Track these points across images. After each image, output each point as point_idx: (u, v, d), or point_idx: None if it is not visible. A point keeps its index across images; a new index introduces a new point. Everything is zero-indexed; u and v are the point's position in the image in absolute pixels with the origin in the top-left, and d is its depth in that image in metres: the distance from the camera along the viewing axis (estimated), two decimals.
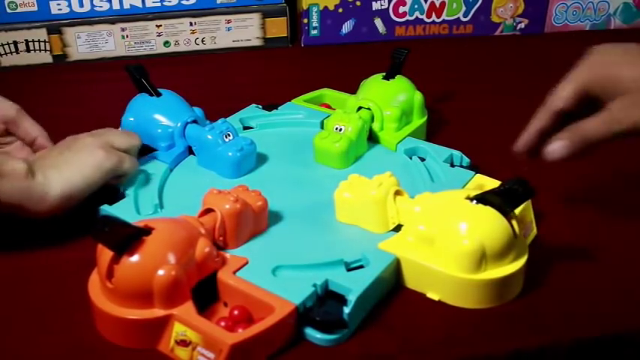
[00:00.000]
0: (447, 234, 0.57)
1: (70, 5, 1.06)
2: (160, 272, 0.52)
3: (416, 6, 1.17)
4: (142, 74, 0.78)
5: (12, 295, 0.60)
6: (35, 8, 1.05)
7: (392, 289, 0.60)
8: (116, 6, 1.07)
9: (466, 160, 0.74)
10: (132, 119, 0.76)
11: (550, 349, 0.55)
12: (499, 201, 0.57)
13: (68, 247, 0.64)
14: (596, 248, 0.65)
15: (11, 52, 1.05)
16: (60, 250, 0.64)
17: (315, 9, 1.15)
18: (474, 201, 0.57)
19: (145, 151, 0.75)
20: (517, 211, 0.62)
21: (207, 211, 0.60)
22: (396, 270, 0.60)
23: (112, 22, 1.08)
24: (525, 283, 0.60)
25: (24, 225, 0.68)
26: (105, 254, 0.52)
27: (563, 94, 0.62)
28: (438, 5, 1.17)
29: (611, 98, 0.59)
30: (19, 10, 1.05)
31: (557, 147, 0.60)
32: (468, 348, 0.55)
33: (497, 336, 0.56)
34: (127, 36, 1.09)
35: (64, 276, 0.60)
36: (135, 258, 0.52)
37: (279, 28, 1.14)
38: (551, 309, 0.58)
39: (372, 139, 0.79)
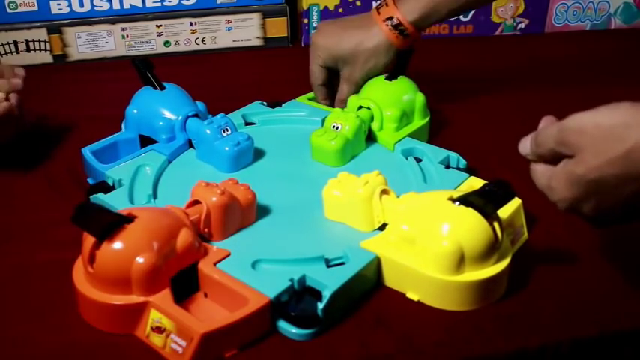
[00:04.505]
0: (427, 234, 0.57)
1: (70, 5, 1.06)
2: (139, 259, 0.53)
3: None
4: (148, 67, 0.79)
5: (10, 293, 0.60)
6: (35, 8, 1.05)
7: (373, 287, 0.60)
8: (116, 6, 1.07)
9: (463, 162, 0.74)
10: (135, 111, 0.77)
11: (550, 348, 0.55)
12: (481, 203, 0.57)
13: (67, 246, 0.64)
14: (595, 248, 0.65)
15: (11, 52, 1.05)
16: (59, 249, 0.64)
17: (315, 9, 1.15)
18: (457, 202, 0.57)
19: (146, 143, 0.76)
20: (506, 215, 0.62)
21: (195, 202, 0.61)
22: (376, 268, 0.60)
23: (113, 22, 1.08)
24: (525, 284, 0.60)
25: (24, 223, 0.68)
26: (88, 240, 0.54)
27: (315, 75, 0.86)
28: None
29: (341, 68, 0.85)
30: (20, 10, 1.05)
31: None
32: (468, 348, 0.54)
33: (497, 336, 0.56)
34: (128, 36, 1.09)
35: (61, 274, 0.60)
36: (115, 244, 0.53)
37: (279, 28, 1.14)
38: (550, 309, 0.58)
39: (372, 138, 0.79)
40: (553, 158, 0.53)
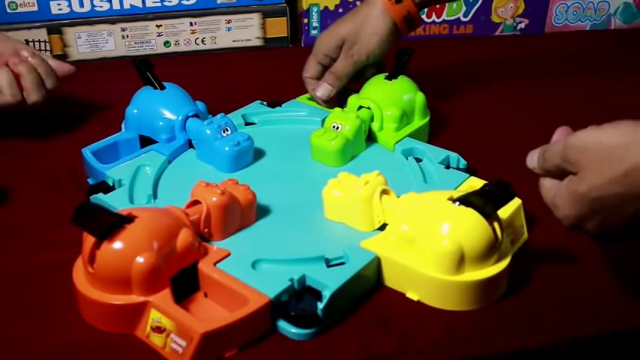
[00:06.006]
0: (427, 234, 0.57)
1: (70, 5, 1.06)
2: (139, 259, 0.53)
3: None
4: (148, 67, 0.79)
5: (10, 293, 0.60)
6: (35, 8, 1.05)
7: (373, 287, 0.60)
8: (116, 6, 1.07)
9: (463, 162, 0.74)
10: (135, 111, 0.77)
11: (550, 348, 0.55)
12: (481, 203, 0.57)
13: (67, 246, 0.64)
14: (594, 248, 0.64)
15: None
16: (59, 249, 0.64)
17: (315, 9, 1.15)
18: (457, 202, 0.57)
19: (147, 143, 0.76)
20: (506, 215, 0.62)
21: (195, 202, 0.61)
22: (376, 268, 0.60)
23: (113, 22, 1.08)
24: (525, 284, 0.60)
25: (24, 223, 0.68)
26: (88, 240, 0.54)
27: (311, 69, 0.86)
28: (438, 5, 1.17)
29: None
30: (19, 10, 1.05)
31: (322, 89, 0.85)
32: (468, 348, 0.54)
33: (497, 336, 0.56)
34: (128, 36, 1.09)
35: (61, 274, 0.60)
36: (115, 244, 0.53)
37: (279, 28, 1.14)
38: (550, 309, 0.58)
39: (372, 138, 0.79)
40: (559, 173, 0.54)
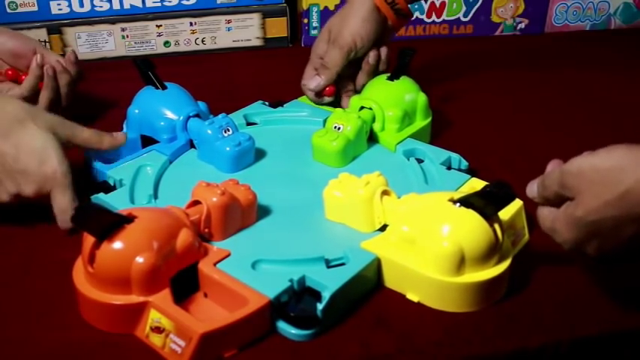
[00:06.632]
0: (427, 235, 0.57)
1: (70, 5, 1.06)
2: (139, 259, 0.53)
3: (416, 6, 1.17)
4: (149, 67, 0.79)
5: (10, 293, 0.60)
6: (35, 8, 1.05)
7: (373, 288, 0.60)
8: (116, 6, 1.08)
9: (464, 163, 0.74)
10: (137, 111, 0.77)
11: (550, 348, 0.55)
12: (482, 204, 0.57)
13: (67, 246, 0.64)
14: None
15: None
16: (59, 249, 0.64)
17: (315, 9, 1.15)
18: (457, 204, 0.57)
19: (148, 143, 0.76)
20: (507, 216, 0.61)
21: (195, 203, 0.61)
22: (376, 269, 0.60)
23: (113, 22, 1.08)
24: (525, 284, 0.60)
25: (24, 223, 0.68)
26: (88, 240, 0.54)
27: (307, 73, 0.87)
28: (438, 5, 1.17)
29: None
30: (19, 10, 1.05)
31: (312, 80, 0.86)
32: (468, 348, 0.54)
33: (497, 336, 0.56)
34: (128, 36, 1.09)
35: (61, 274, 0.60)
36: (115, 244, 0.53)
37: (279, 28, 1.14)
38: (550, 309, 0.58)
39: (374, 139, 0.79)
40: (558, 200, 0.54)
